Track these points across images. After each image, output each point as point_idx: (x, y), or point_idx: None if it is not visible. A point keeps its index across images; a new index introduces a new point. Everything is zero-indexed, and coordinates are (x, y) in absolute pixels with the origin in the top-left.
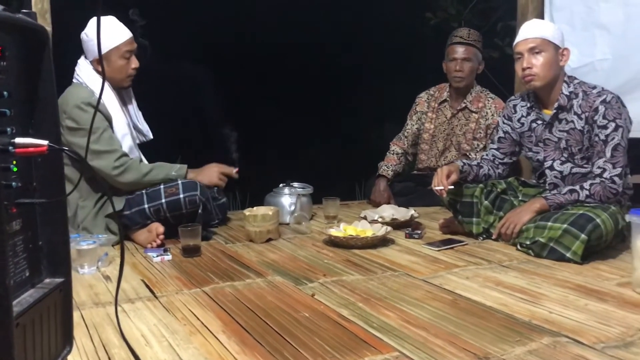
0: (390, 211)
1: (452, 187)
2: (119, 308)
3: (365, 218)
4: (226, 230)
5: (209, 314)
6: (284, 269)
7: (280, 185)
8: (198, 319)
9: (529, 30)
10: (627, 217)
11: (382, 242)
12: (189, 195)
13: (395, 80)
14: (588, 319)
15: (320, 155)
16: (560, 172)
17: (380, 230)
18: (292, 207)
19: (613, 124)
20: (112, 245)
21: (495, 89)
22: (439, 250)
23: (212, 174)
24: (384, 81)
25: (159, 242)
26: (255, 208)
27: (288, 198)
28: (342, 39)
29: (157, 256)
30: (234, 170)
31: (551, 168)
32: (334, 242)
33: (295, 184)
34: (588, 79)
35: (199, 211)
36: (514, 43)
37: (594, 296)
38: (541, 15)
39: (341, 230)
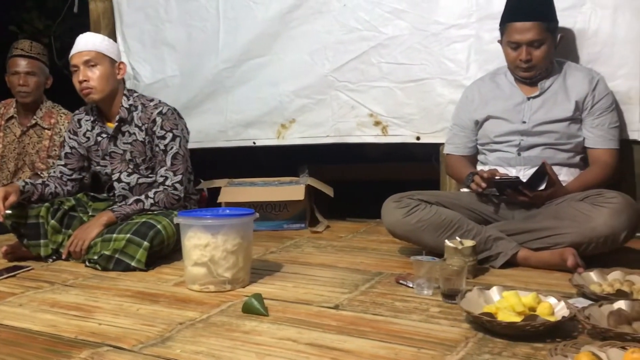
0: None
1: (10, 211)
2: None
3: None
4: None
5: None
6: None
7: None
8: None
9: (84, 44)
10: (175, 219)
11: None
12: None
13: None
14: (135, 323)
15: None
16: (128, 184)
17: None
18: None
19: (171, 134)
20: None
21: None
22: None
23: None
24: None
25: None
26: None
27: None
28: None
29: None
30: None
31: (119, 180)
32: None
33: None
34: (162, 95)
35: None
36: (70, 55)
37: (149, 300)
38: (113, 32)
39: None
